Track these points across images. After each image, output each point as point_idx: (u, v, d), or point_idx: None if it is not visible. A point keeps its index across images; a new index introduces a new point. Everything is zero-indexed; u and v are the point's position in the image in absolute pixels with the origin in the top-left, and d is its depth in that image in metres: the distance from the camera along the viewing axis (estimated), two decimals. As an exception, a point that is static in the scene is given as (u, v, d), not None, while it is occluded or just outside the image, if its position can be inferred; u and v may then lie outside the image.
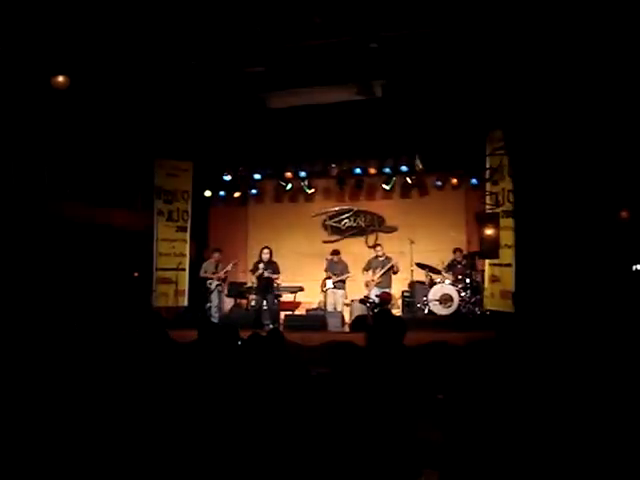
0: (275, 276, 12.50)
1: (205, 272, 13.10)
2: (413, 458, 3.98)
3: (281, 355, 5.05)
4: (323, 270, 13.23)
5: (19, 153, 10.68)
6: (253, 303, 13.04)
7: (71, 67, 9.68)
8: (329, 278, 13.07)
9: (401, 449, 3.83)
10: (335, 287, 13.03)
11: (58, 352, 5.85)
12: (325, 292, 13.18)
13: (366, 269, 13.02)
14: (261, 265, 12.35)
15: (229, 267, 13.12)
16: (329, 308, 12.92)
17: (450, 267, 12.62)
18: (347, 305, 13.33)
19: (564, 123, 9.78)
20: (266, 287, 12.41)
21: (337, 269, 13.13)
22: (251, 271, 12.85)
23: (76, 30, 8.96)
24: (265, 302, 12.41)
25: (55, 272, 11.09)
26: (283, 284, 13.06)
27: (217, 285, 12.96)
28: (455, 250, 12.83)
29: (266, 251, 12.48)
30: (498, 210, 11.33)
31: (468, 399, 4.14)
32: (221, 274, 12.99)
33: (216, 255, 13.29)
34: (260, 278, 12.42)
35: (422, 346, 9.48)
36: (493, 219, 11.20)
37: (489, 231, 11.11)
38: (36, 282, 10.67)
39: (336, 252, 13.42)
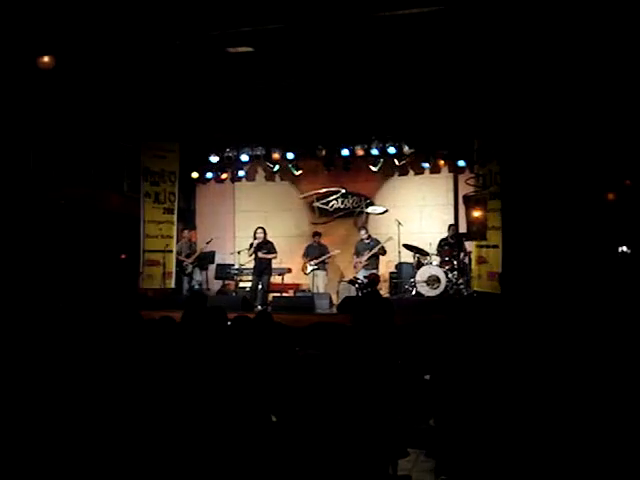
0: (271, 256, 12.53)
1: (179, 253, 13.27)
2: (399, 437, 4.02)
3: (269, 337, 5.07)
4: (301, 255, 13.36)
5: (3, 135, 10.59)
6: (249, 285, 13.05)
7: (57, 47, 9.58)
8: (311, 261, 13.14)
9: (387, 428, 3.86)
10: (317, 269, 13.09)
11: (44, 332, 5.85)
12: (307, 275, 13.25)
13: (355, 253, 13.07)
14: (256, 246, 12.39)
15: (204, 245, 13.38)
16: (314, 290, 12.98)
17: (439, 247, 12.64)
18: (332, 286, 13.43)
19: (551, 105, 9.79)
20: (262, 268, 12.43)
21: (315, 252, 13.20)
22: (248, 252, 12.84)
23: (62, 9, 8.85)
24: (260, 283, 12.43)
25: (42, 254, 11.05)
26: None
27: (194, 266, 13.18)
28: (450, 226, 12.87)
29: (260, 231, 12.51)
30: (485, 192, 11.36)
31: (454, 380, 4.17)
32: (193, 259, 13.16)
33: (186, 233, 13.53)
34: (256, 259, 12.45)
35: (409, 325, 9.54)
36: (480, 201, 11.23)
37: (476, 213, 11.14)
38: (23, 264, 10.63)
39: (317, 234, 13.51)
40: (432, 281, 12.03)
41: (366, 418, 3.75)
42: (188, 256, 13.25)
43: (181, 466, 3.30)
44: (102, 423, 3.71)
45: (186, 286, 13.18)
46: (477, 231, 11.19)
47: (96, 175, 12.51)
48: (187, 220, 14.72)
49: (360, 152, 13.75)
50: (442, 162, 13.66)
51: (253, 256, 12.57)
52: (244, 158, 14.39)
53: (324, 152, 13.94)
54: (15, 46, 9.40)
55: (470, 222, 11.47)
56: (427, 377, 4.66)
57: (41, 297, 9.92)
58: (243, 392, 3.83)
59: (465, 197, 12.11)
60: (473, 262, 12.19)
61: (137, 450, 3.42)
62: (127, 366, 4.46)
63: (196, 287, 13.06)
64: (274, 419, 3.81)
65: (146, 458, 3.37)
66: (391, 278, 13.40)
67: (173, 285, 13.41)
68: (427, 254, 12.61)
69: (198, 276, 13.29)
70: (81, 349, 4.98)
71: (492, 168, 11.29)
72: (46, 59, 9.61)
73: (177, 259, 13.29)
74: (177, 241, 13.63)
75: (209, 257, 13.73)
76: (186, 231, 13.70)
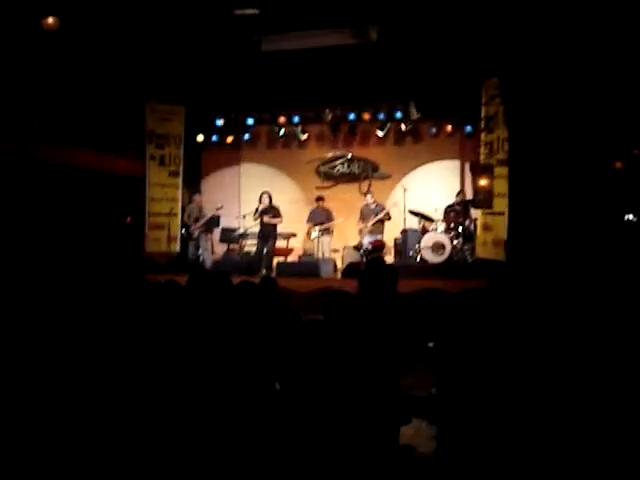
0: (276, 220, 12.52)
1: (189, 216, 13.11)
2: (403, 405, 4.03)
3: (273, 302, 5.08)
4: (306, 221, 13.33)
5: (7, 96, 10.53)
6: (254, 249, 13.05)
7: (61, 8, 9.49)
8: (315, 226, 13.12)
9: (391, 396, 3.88)
10: (321, 234, 13.08)
11: (48, 296, 5.88)
12: (312, 241, 13.24)
13: (360, 219, 13.04)
14: (261, 210, 12.36)
15: (214, 212, 13.15)
16: (319, 255, 12.99)
17: (444, 214, 12.60)
18: (336, 251, 13.43)
19: (560, 70, 9.66)
20: (267, 233, 12.44)
21: (319, 217, 13.18)
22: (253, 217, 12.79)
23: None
24: (265, 248, 12.44)
25: (47, 217, 11.06)
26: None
27: (201, 232, 12.98)
28: (458, 193, 12.80)
29: (265, 196, 12.49)
30: (492, 160, 11.28)
31: (459, 347, 4.18)
32: (201, 224, 12.98)
33: (197, 197, 13.34)
34: (262, 224, 12.44)
35: (414, 293, 9.56)
36: (487, 169, 11.14)
37: (483, 181, 11.06)
38: (27, 228, 10.65)
39: (320, 198, 13.49)
40: (437, 247, 12.00)
41: (369, 384, 3.77)
42: (196, 220, 13.05)
43: (185, 433, 3.33)
44: (105, 385, 3.74)
45: (192, 250, 13.04)
46: (483, 200, 11.12)
47: (101, 137, 12.44)
48: (193, 184, 14.63)
49: (367, 116, 13.65)
50: (449, 127, 13.55)
51: (258, 220, 12.56)
52: (250, 121, 14.31)
53: (330, 116, 13.84)
54: (19, 8, 9.32)
55: (476, 190, 11.40)
56: (431, 345, 4.67)
57: (47, 261, 9.95)
58: (247, 359, 3.85)
59: (472, 164, 12.03)
60: (479, 229, 12.15)
61: (140, 418, 3.45)
62: (131, 329, 4.48)
63: (201, 255, 12.89)
64: (278, 387, 3.83)
65: (149, 427, 3.39)
66: (396, 244, 13.39)
67: (178, 249, 13.43)
68: (432, 220, 12.57)
69: (204, 242, 13.06)
70: (85, 312, 5.01)
71: (500, 134, 11.18)
72: (50, 20, 9.53)
73: (184, 223, 13.20)
74: (182, 205, 13.57)
75: (215, 221, 13.70)
76: (196, 195, 13.50)
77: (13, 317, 4.94)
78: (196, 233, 12.97)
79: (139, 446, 3.34)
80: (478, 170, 11.31)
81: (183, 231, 13.19)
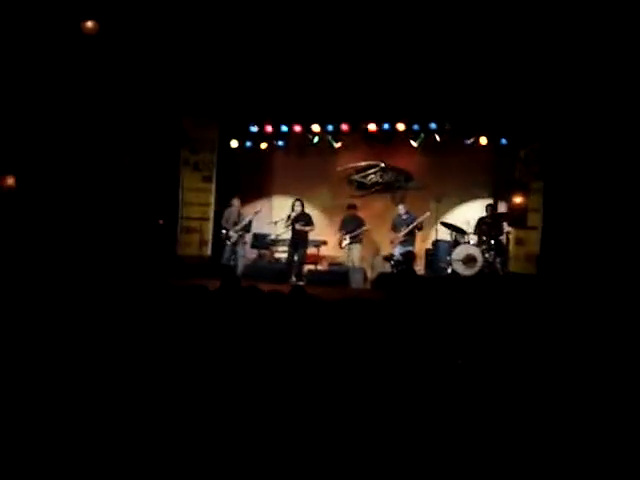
0: (308, 228, 12.52)
1: (227, 221, 12.96)
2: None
3: (302, 314, 5.08)
4: (338, 228, 13.31)
5: (47, 97, 10.72)
6: (285, 256, 13.02)
7: (100, 13, 9.65)
8: (346, 234, 13.09)
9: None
10: (352, 242, 13.05)
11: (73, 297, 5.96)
12: (343, 249, 13.22)
13: (392, 229, 12.99)
14: (293, 218, 12.37)
15: (251, 216, 13.00)
16: (349, 264, 12.96)
17: (477, 226, 12.51)
18: (367, 260, 13.40)
19: (596, 85, 9.58)
20: (299, 240, 12.44)
21: (351, 225, 13.14)
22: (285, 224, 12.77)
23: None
24: (296, 256, 12.43)
25: (80, 219, 11.24)
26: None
27: (238, 236, 12.88)
28: (487, 207, 12.70)
29: (298, 203, 12.51)
30: (528, 174, 11.18)
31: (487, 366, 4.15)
32: (243, 224, 12.86)
33: (236, 202, 13.19)
34: (293, 231, 12.45)
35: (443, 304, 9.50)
36: (522, 186, 11.05)
37: (518, 199, 10.97)
38: (63, 228, 10.83)
39: (352, 206, 13.46)
40: (468, 260, 11.94)
41: (394, 401, 3.75)
42: (235, 224, 12.89)
43: (204, 439, 3.34)
44: (120, 386, 3.77)
45: (227, 254, 12.84)
46: (518, 218, 11.04)
47: (136, 140, 12.58)
48: (229, 189, 14.57)
49: (401, 127, 13.61)
50: (484, 140, 13.44)
51: (290, 227, 12.57)
52: (284, 128, 14.33)
53: (365, 125, 13.82)
54: (60, 11, 9.49)
55: (511, 208, 11.33)
56: (460, 362, 4.62)
57: (77, 263, 10.08)
58: (269, 369, 3.86)
59: (507, 181, 11.93)
60: (511, 243, 12.06)
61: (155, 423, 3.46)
62: (151, 332, 4.52)
63: (237, 259, 12.80)
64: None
65: (166, 432, 3.40)
66: (427, 255, 13.32)
67: (209, 253, 13.47)
68: (465, 233, 12.49)
69: (241, 247, 12.92)
70: (106, 314, 5.07)
71: (535, 148, 11.10)
72: (90, 24, 9.68)
73: (222, 227, 13.00)
74: (221, 209, 13.52)
75: (248, 226, 13.66)
76: (235, 199, 13.25)
77: (38, 315, 5.02)
78: (234, 237, 12.86)
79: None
80: (513, 187, 11.21)
81: (223, 232, 12.95)
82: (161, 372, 3.98)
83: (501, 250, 12.22)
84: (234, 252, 12.85)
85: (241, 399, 3.69)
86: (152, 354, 4.24)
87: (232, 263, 12.69)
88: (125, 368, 4.04)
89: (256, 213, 13.14)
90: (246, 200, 14.34)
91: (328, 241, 13.60)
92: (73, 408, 3.58)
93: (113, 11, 9.90)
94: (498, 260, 12.09)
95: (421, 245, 13.30)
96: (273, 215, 14.04)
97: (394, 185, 14.51)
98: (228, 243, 12.87)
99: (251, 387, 3.78)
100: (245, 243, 13.22)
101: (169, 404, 3.64)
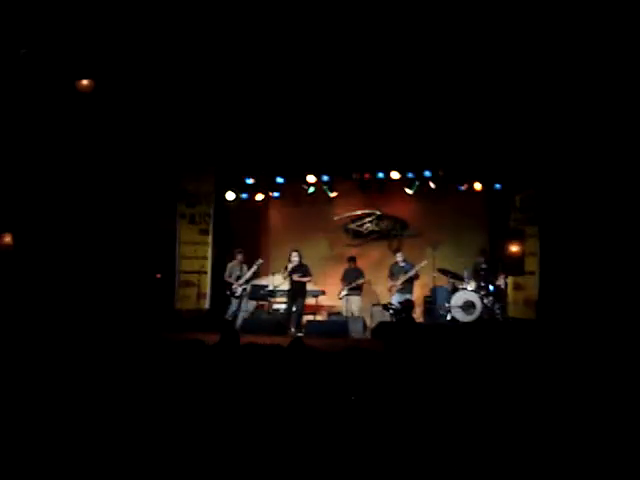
0: (306, 279, 12.46)
1: (230, 275, 12.77)
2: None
3: (301, 367, 5.03)
4: (340, 280, 13.30)
5: (44, 155, 10.82)
6: (283, 306, 12.97)
7: (96, 71, 9.79)
8: (344, 286, 13.07)
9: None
10: (349, 294, 13.01)
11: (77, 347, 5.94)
12: (341, 299, 13.18)
13: (389, 276, 12.98)
14: (290, 269, 12.31)
15: (255, 267, 12.80)
16: (347, 314, 12.89)
17: (474, 272, 12.51)
18: (367, 309, 13.33)
19: (589, 130, 9.68)
20: (297, 291, 12.38)
21: (351, 276, 13.13)
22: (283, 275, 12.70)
23: (102, 35, 9.05)
24: (294, 306, 12.36)
25: (80, 271, 11.25)
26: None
27: (243, 290, 12.72)
28: (482, 252, 12.71)
29: (295, 254, 12.42)
30: (522, 220, 11.22)
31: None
32: (247, 277, 12.71)
33: (239, 256, 13.07)
34: (291, 282, 12.39)
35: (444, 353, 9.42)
36: (518, 234, 11.07)
37: (514, 247, 10.99)
38: (62, 283, 10.83)
39: (352, 259, 13.46)
40: (467, 306, 11.90)
41: (394, 453, 3.69)
42: (238, 278, 12.71)
43: None
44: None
45: (233, 308, 12.63)
46: (514, 265, 11.05)
47: (132, 194, 12.65)
48: (226, 241, 14.53)
49: (395, 175, 13.70)
50: (478, 185, 13.51)
51: (288, 278, 12.52)
52: (279, 180, 14.42)
53: (359, 175, 13.92)
54: (55, 69, 9.63)
55: (507, 256, 11.33)
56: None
57: (76, 314, 10.07)
58: (267, 424, 3.81)
59: (501, 229, 11.96)
60: (509, 288, 12.05)
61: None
62: (144, 386, 4.48)
63: (241, 313, 12.66)
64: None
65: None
66: (425, 302, 13.28)
67: (207, 306, 13.42)
68: (462, 279, 12.48)
69: (245, 303, 12.74)
70: (103, 367, 5.04)
71: (529, 193, 11.17)
72: (85, 82, 9.82)
73: (226, 281, 12.78)
74: (215, 261, 13.50)
75: (253, 277, 13.50)
76: (240, 254, 12.97)
77: (37, 369, 5.00)
78: (239, 291, 12.67)
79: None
80: (508, 235, 11.22)
81: (234, 287, 12.65)
82: (156, 428, 3.93)
83: (499, 295, 12.19)
84: (239, 306, 12.67)
85: (239, 456, 3.63)
86: (147, 409, 4.20)
87: (234, 317, 12.54)
88: (119, 423, 4.00)
89: (257, 264, 13.00)
90: (244, 252, 14.33)
91: (327, 291, 13.55)
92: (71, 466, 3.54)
93: (108, 68, 10.03)
94: (497, 306, 12.05)
95: (419, 292, 13.27)
96: (270, 266, 14.03)
97: (390, 233, 14.58)
98: (233, 298, 12.69)
99: (247, 444, 3.73)
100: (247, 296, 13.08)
101: (165, 461, 3.60)
